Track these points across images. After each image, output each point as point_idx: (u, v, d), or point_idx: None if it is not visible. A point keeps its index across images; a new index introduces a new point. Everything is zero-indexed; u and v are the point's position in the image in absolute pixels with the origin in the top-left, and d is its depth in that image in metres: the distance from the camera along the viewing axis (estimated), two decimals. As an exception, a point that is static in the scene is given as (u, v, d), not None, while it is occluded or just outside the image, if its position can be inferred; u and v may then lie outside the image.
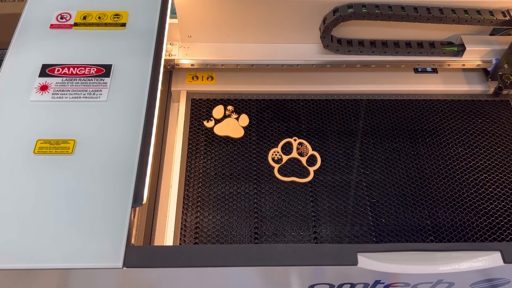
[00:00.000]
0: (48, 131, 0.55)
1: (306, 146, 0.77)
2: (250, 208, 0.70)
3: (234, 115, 0.79)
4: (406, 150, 0.78)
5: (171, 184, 0.72)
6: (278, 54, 0.82)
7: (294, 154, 0.76)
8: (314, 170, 0.74)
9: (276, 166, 0.74)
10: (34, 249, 0.46)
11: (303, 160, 0.75)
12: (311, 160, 0.76)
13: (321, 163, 0.75)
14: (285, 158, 0.75)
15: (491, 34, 0.84)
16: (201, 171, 0.74)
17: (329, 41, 0.79)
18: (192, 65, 0.82)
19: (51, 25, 0.65)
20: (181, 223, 0.68)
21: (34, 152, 0.53)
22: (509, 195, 0.73)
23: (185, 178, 0.73)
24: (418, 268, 0.47)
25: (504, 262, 0.46)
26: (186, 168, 0.74)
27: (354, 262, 0.45)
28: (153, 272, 0.46)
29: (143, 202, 0.50)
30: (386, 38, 0.82)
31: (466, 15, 0.76)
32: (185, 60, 0.81)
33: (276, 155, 0.75)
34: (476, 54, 0.82)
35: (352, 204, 0.72)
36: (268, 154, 0.76)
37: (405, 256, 0.47)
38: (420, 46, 0.81)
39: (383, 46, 0.81)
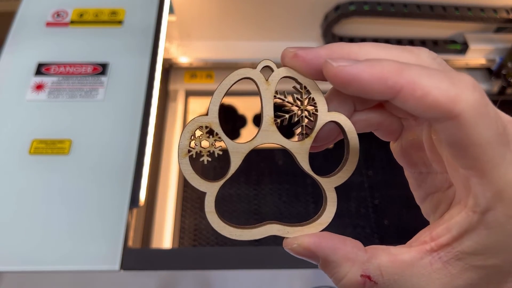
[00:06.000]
0: (44, 131, 0.53)
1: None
2: (250, 210, 0.69)
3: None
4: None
5: (169, 185, 0.71)
6: (278, 52, 0.80)
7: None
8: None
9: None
10: (30, 251, 0.45)
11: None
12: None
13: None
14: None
15: (494, 32, 0.83)
16: (200, 171, 0.73)
17: (331, 39, 0.78)
18: (190, 63, 0.81)
19: (47, 23, 0.64)
20: (180, 225, 0.67)
21: (29, 153, 0.51)
22: None
23: (184, 178, 0.72)
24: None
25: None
26: (185, 169, 0.73)
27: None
28: (151, 275, 0.45)
29: (141, 204, 0.49)
30: (388, 36, 0.81)
31: (469, 13, 0.75)
32: (183, 58, 0.80)
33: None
34: (479, 53, 0.81)
35: (354, 205, 0.71)
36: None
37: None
38: (423, 44, 0.80)
39: (385, 44, 0.80)
